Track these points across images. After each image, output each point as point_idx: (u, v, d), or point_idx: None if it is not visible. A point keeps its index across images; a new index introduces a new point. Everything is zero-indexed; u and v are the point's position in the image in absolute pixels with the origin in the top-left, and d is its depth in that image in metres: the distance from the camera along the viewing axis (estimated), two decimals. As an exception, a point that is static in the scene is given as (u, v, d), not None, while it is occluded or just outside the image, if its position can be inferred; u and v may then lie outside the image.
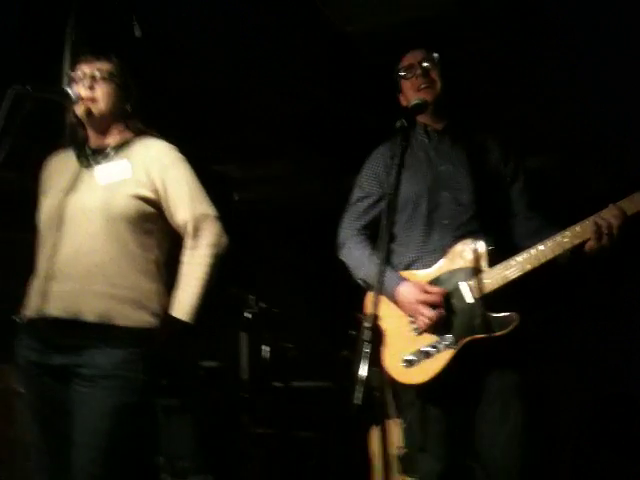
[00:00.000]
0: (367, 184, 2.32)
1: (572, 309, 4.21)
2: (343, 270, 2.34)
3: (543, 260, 2.04)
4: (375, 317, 1.59)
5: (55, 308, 1.94)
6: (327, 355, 4.05)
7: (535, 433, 2.13)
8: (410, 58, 2.32)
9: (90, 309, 1.93)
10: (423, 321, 2.07)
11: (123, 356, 1.93)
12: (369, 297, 2.14)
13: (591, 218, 2.01)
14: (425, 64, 2.27)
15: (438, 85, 2.26)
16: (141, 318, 1.98)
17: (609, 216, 1.98)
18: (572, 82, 3.68)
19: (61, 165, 2.16)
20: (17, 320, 2.06)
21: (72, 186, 2.06)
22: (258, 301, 3.85)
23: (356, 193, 2.35)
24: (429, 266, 2.16)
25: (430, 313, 2.05)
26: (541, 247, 2.04)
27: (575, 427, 4.12)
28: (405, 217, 2.23)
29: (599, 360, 4.30)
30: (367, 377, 1.53)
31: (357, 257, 2.24)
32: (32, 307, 1.99)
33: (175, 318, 2.01)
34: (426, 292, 2.08)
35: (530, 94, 3.98)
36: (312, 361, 4.08)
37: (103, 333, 1.93)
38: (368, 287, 2.18)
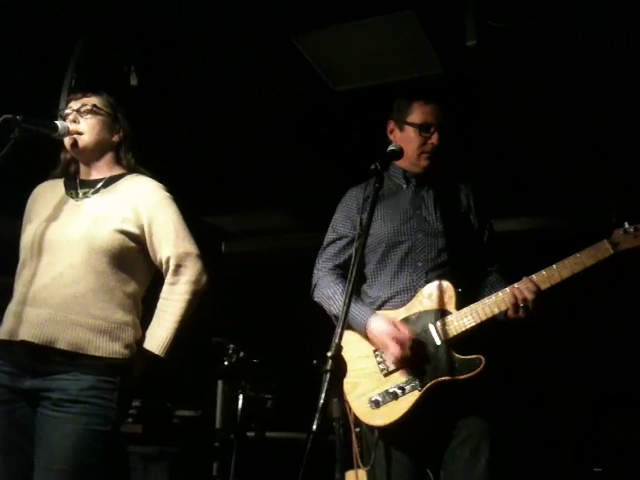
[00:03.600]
0: (341, 226, 2.35)
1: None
2: (324, 322, 2.34)
3: (490, 315, 2.09)
4: (338, 347, 1.61)
5: (29, 333, 1.95)
6: (303, 407, 4.00)
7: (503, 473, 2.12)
8: (430, 116, 2.29)
9: (64, 337, 1.95)
10: (392, 356, 2.07)
11: (93, 383, 1.95)
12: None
13: (508, 289, 2.08)
14: (440, 130, 2.27)
15: (438, 152, 2.29)
16: (114, 349, 2.00)
17: (524, 289, 2.06)
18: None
19: (48, 194, 2.21)
20: None
21: (57, 216, 2.11)
22: (237, 350, 3.84)
23: (329, 235, 2.38)
24: (399, 306, 2.19)
25: (399, 349, 2.05)
26: (487, 302, 2.10)
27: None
28: (377, 258, 2.26)
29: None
30: (326, 405, 1.53)
31: (329, 295, 2.25)
32: (6, 330, 2.00)
33: (148, 351, 2.04)
34: (397, 328, 2.09)
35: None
36: (289, 412, 4.04)
37: (73, 360, 1.95)
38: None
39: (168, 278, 2.12)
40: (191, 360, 3.92)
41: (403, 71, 3.45)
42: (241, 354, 3.86)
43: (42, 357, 1.94)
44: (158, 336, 2.05)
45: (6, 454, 1.97)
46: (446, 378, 2.06)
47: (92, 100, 2.20)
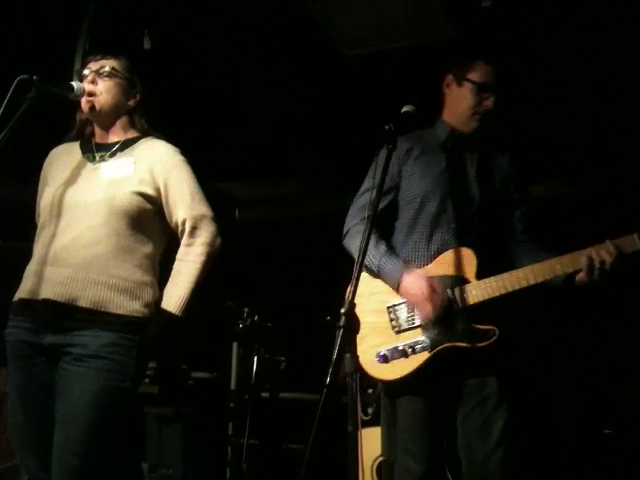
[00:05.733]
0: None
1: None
2: (338, 286, 2.34)
3: (532, 282, 2.07)
4: (351, 304, 1.64)
5: (51, 291, 1.99)
6: (316, 368, 4.07)
7: (518, 441, 2.16)
8: (491, 77, 2.24)
9: (85, 295, 1.99)
10: (424, 315, 2.08)
11: (113, 339, 1.99)
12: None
13: (585, 251, 2.05)
14: (496, 93, 2.23)
15: (490, 115, 2.25)
16: (133, 308, 2.05)
17: (604, 252, 2.02)
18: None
19: (64, 157, 2.24)
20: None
21: (75, 178, 2.14)
22: (252, 314, 3.90)
23: (365, 184, 2.33)
24: (424, 265, 2.18)
25: (431, 310, 2.06)
26: (531, 270, 2.08)
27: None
28: (410, 213, 2.24)
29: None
30: (339, 361, 1.57)
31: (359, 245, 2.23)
32: (26, 289, 2.05)
33: (166, 310, 2.08)
34: (433, 288, 2.09)
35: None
36: (301, 374, 4.10)
37: (95, 318, 1.99)
38: (371, 273, 2.21)
39: (184, 240, 2.15)
40: (206, 323, 3.98)
41: (416, 35, 3.43)
42: (255, 318, 3.93)
43: (63, 314, 1.99)
44: (175, 296, 2.09)
45: (27, 408, 2.02)
46: (458, 344, 2.07)
47: (111, 63, 2.21)
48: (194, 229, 2.14)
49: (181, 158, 2.21)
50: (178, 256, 2.17)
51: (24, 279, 2.09)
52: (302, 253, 5.10)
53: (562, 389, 4.25)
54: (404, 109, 2.11)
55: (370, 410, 2.81)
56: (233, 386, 3.94)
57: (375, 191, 2.14)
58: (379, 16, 3.28)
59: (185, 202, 2.15)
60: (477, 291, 2.09)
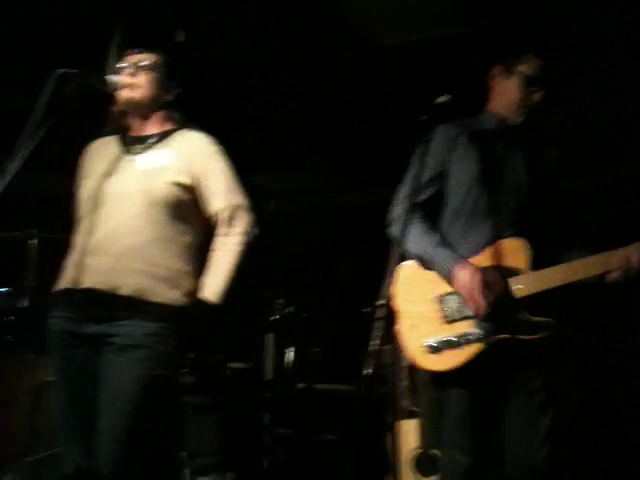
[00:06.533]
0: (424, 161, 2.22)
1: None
2: (373, 276, 2.34)
3: (588, 274, 2.05)
4: (389, 296, 1.64)
5: (92, 280, 2.03)
6: (351, 360, 4.08)
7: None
8: (541, 71, 2.23)
9: (126, 284, 2.03)
10: (477, 307, 2.05)
11: (154, 329, 2.02)
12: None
13: (622, 251, 2.05)
14: (544, 88, 2.22)
15: (537, 109, 2.24)
16: (173, 296, 2.08)
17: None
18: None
19: (102, 150, 2.28)
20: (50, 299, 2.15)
21: (113, 170, 2.17)
22: (286, 305, 3.92)
23: (410, 173, 2.27)
24: (470, 257, 2.14)
25: (485, 302, 2.03)
26: (587, 262, 2.06)
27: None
28: (457, 202, 2.22)
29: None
30: (379, 352, 1.57)
31: (412, 234, 2.17)
32: (68, 278, 2.09)
33: (204, 299, 2.11)
34: (487, 282, 2.06)
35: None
36: (336, 365, 4.12)
37: (137, 307, 2.02)
38: (421, 262, 2.19)
39: (221, 229, 2.18)
40: (242, 314, 4.02)
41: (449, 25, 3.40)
42: (290, 308, 3.95)
43: (105, 303, 2.02)
44: (213, 285, 2.12)
45: (71, 396, 2.06)
46: (514, 336, 2.04)
47: (149, 56, 2.23)
48: (231, 219, 2.17)
49: (217, 149, 2.24)
50: (215, 245, 2.19)
51: (65, 269, 2.12)
52: (337, 243, 5.11)
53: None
54: (440, 99, 2.09)
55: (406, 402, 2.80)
56: (269, 377, 3.97)
57: (419, 180, 2.14)
58: (408, 6, 3.27)
59: (221, 192, 2.18)
60: (532, 282, 2.06)
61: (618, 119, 3.77)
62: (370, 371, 1.54)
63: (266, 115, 3.96)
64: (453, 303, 2.12)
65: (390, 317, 1.65)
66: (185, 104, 2.32)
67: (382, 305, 1.63)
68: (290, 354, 3.83)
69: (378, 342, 1.57)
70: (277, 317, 3.90)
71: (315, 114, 4.32)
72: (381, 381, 1.70)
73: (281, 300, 3.97)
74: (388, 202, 2.36)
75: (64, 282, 2.10)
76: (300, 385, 3.96)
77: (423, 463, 2.74)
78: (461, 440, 2.07)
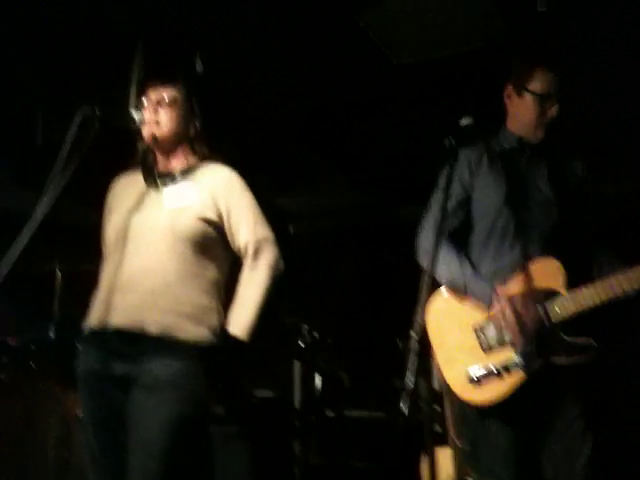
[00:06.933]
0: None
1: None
2: (397, 298, 2.30)
3: (627, 289, 1.99)
4: (423, 328, 1.59)
5: (119, 319, 2.02)
6: (380, 385, 4.03)
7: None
8: (552, 85, 2.19)
9: (153, 322, 2.01)
10: (517, 335, 2.00)
11: (182, 368, 2.00)
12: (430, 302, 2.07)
13: None
14: (559, 101, 2.18)
15: (556, 123, 2.20)
16: (200, 333, 2.06)
17: None
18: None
19: (128, 186, 2.27)
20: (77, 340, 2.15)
21: (139, 206, 2.16)
22: (312, 330, 3.88)
23: (435, 199, 2.26)
24: (502, 282, 2.09)
25: (525, 330, 1.99)
26: (625, 277, 2.00)
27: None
28: (484, 227, 2.18)
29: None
30: (414, 388, 1.52)
31: (442, 262, 2.13)
32: (95, 318, 2.07)
33: (232, 334, 2.08)
34: (523, 308, 2.01)
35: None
36: (365, 390, 4.06)
37: (164, 345, 2.00)
38: (457, 292, 2.14)
39: (247, 263, 2.16)
40: (266, 341, 3.98)
41: (467, 41, 3.38)
42: (315, 334, 3.91)
43: (132, 342, 2.00)
44: (241, 320, 2.10)
45: (101, 438, 2.04)
46: (555, 360, 1.99)
47: (171, 91, 2.22)
48: (257, 252, 2.15)
49: (241, 182, 2.23)
50: (242, 280, 2.17)
51: (93, 308, 2.11)
52: (358, 265, 5.06)
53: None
54: (464, 122, 2.06)
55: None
56: (297, 404, 3.93)
57: (445, 207, 2.09)
58: (430, 22, 3.24)
59: (247, 226, 2.16)
60: (569, 303, 2.00)
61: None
62: (406, 409, 1.48)
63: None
64: (490, 331, 2.07)
65: (424, 350, 1.59)
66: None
67: (416, 339, 1.58)
68: (317, 381, 3.78)
69: (413, 378, 1.52)
70: (302, 344, 3.85)
71: (333, 126, 4.31)
72: (416, 409, 1.65)
73: (305, 326, 3.93)
74: (413, 222, 2.33)
75: (92, 321, 2.08)
76: (329, 413, 3.90)
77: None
78: (503, 472, 2.02)
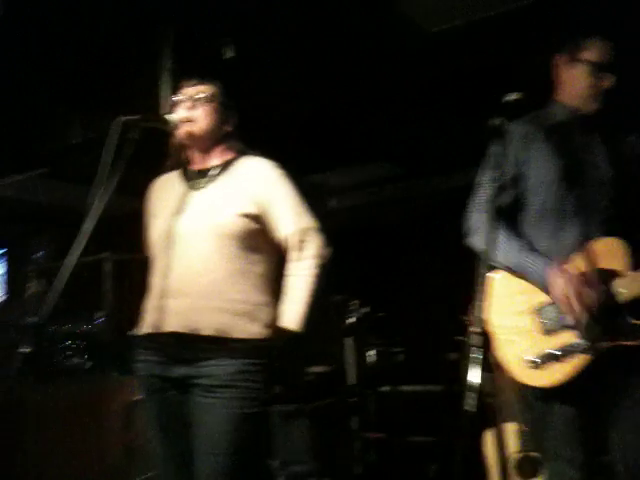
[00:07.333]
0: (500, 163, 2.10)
1: None
2: (448, 269, 2.24)
3: None
4: (483, 321, 1.57)
5: (173, 323, 2.03)
6: (434, 358, 4.02)
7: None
8: (607, 55, 2.09)
9: (207, 324, 2.02)
10: (579, 316, 1.93)
11: (239, 366, 2.00)
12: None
13: None
14: (614, 71, 2.08)
15: (610, 94, 2.10)
16: (254, 330, 2.06)
17: None
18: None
19: (167, 187, 2.27)
20: (133, 336, 2.18)
21: (180, 207, 2.15)
22: (362, 306, 3.88)
23: (482, 177, 2.16)
24: (563, 261, 1.99)
25: (587, 311, 1.91)
26: None
27: None
28: (539, 204, 2.08)
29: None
30: (478, 383, 1.51)
31: (497, 242, 2.02)
32: (150, 323, 2.09)
33: (285, 328, 2.07)
34: (588, 288, 1.93)
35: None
36: (419, 364, 4.05)
37: (220, 345, 2.01)
38: (514, 273, 2.06)
39: (293, 254, 2.14)
40: (318, 317, 4.00)
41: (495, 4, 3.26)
42: (365, 309, 3.91)
43: (188, 345, 2.02)
44: (293, 313, 2.08)
45: (164, 441, 2.07)
46: (618, 343, 1.91)
47: (207, 88, 2.20)
48: (301, 242, 2.13)
49: (280, 173, 2.20)
50: (289, 271, 2.15)
51: (146, 313, 2.13)
52: (406, 235, 5.01)
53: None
54: (510, 97, 1.98)
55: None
56: (352, 380, 3.95)
57: (493, 186, 2.04)
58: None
59: (289, 216, 2.14)
60: (634, 284, 1.91)
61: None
62: (473, 407, 1.47)
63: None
64: (551, 313, 1.99)
65: (485, 343, 1.56)
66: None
67: (477, 333, 1.55)
68: (371, 356, 3.79)
69: (477, 374, 1.50)
70: (353, 319, 3.85)
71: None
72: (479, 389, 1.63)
73: (355, 301, 3.93)
74: (462, 191, 2.26)
75: (146, 327, 2.10)
76: (385, 388, 3.92)
77: (524, 466, 2.66)
78: (570, 454, 1.97)
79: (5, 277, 5.07)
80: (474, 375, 1.52)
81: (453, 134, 4.37)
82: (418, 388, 4.03)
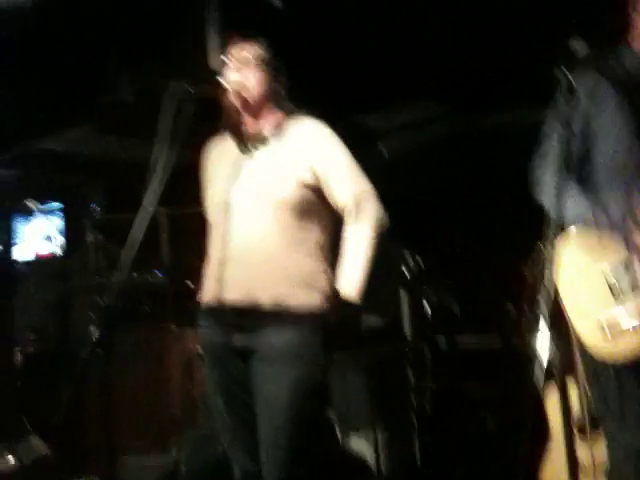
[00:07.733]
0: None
1: None
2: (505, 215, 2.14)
3: None
4: (551, 281, 1.50)
5: (232, 293, 2.04)
6: (491, 309, 3.96)
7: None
8: None
9: (265, 293, 2.02)
10: None
11: (298, 336, 2.02)
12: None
13: None
14: None
15: None
16: (312, 299, 2.05)
17: None
18: None
19: (221, 153, 2.24)
20: (193, 297, 2.20)
21: (235, 174, 2.13)
22: (416, 257, 3.83)
23: (548, 129, 2.08)
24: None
25: None
26: None
27: None
28: (610, 162, 1.99)
29: None
30: (547, 355, 1.46)
31: (567, 199, 1.90)
32: (209, 293, 2.11)
33: (344, 296, 2.07)
34: None
35: None
36: (475, 315, 4.01)
37: (279, 315, 2.01)
38: (587, 232, 1.98)
39: (350, 220, 2.11)
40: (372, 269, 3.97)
41: None
42: (419, 260, 3.85)
43: (248, 314, 2.03)
44: (351, 279, 2.07)
45: (230, 407, 2.11)
46: None
47: (255, 49, 2.13)
48: (358, 206, 2.09)
49: (331, 134, 2.15)
50: (346, 236, 2.13)
51: (205, 282, 2.15)
52: (456, 179, 4.86)
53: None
54: (574, 46, 1.86)
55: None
56: (407, 332, 3.94)
57: (561, 139, 1.88)
58: None
59: (344, 183, 2.10)
60: None
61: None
62: (541, 382, 1.42)
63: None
64: (625, 274, 1.91)
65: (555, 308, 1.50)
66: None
67: (545, 301, 1.49)
68: (426, 308, 3.76)
69: (547, 346, 1.45)
70: (406, 272, 3.81)
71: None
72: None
73: (409, 253, 3.87)
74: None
75: (207, 296, 2.12)
76: (441, 339, 3.90)
77: (586, 428, 2.62)
78: (633, 421, 1.94)
79: (64, 232, 5.18)
80: (543, 348, 1.47)
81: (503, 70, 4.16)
82: (474, 339, 4.00)
